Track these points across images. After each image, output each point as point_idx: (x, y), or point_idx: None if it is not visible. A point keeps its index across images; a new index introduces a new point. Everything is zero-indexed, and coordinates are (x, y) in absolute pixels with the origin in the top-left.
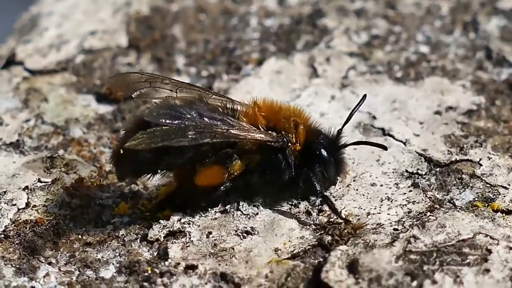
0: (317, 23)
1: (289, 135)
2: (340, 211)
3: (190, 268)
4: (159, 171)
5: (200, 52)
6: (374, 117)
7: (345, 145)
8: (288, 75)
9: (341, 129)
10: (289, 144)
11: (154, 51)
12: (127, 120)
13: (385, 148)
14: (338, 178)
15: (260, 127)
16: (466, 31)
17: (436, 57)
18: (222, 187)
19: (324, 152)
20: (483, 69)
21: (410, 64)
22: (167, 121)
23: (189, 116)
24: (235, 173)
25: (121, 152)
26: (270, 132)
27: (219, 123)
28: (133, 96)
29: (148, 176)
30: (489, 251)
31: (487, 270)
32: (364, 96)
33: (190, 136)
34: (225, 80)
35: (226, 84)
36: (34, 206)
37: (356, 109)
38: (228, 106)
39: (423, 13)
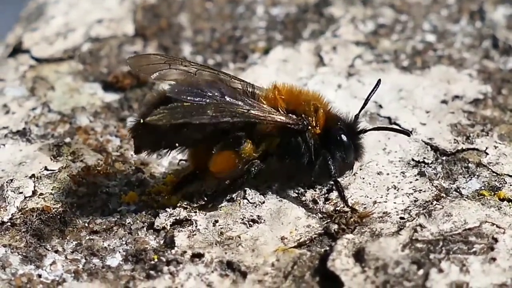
0: (323, 11)
1: (309, 118)
2: (347, 199)
3: (197, 256)
4: (176, 146)
5: (206, 41)
6: (380, 106)
7: (365, 130)
8: (295, 64)
9: (358, 115)
10: (309, 127)
11: (160, 39)
12: (148, 96)
13: (408, 133)
14: (356, 163)
15: (280, 110)
16: (473, 20)
17: (442, 46)
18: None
19: (344, 137)
20: (490, 58)
21: (417, 53)
22: (189, 98)
23: (210, 94)
24: (249, 157)
25: (142, 123)
26: (290, 115)
27: (240, 103)
28: (152, 77)
29: (165, 151)
30: (496, 240)
31: (494, 259)
32: (379, 81)
33: (210, 114)
34: (232, 68)
35: (233, 72)
36: (41, 194)
37: (371, 94)
38: (248, 88)
39: (430, 2)
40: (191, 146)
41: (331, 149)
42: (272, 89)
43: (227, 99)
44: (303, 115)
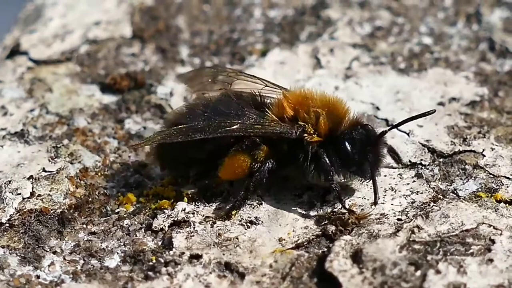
0: (320, 14)
1: (307, 126)
2: (345, 201)
3: (195, 257)
4: (193, 161)
5: (204, 43)
6: (377, 108)
7: (383, 133)
8: (292, 66)
9: (385, 131)
10: (305, 134)
11: (158, 41)
12: (167, 114)
13: (431, 112)
14: (363, 177)
15: (286, 118)
16: (469, 23)
17: (439, 49)
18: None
19: (347, 146)
20: (486, 60)
21: (414, 55)
22: (182, 121)
23: (206, 115)
24: (261, 161)
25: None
26: (283, 124)
27: (233, 119)
28: (192, 91)
29: (183, 169)
30: (493, 241)
31: (491, 260)
32: (433, 111)
33: (191, 135)
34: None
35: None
36: (39, 195)
37: (417, 118)
38: (259, 99)
39: (427, 5)
40: (198, 164)
41: (331, 155)
42: (282, 97)
43: (218, 117)
44: (300, 123)
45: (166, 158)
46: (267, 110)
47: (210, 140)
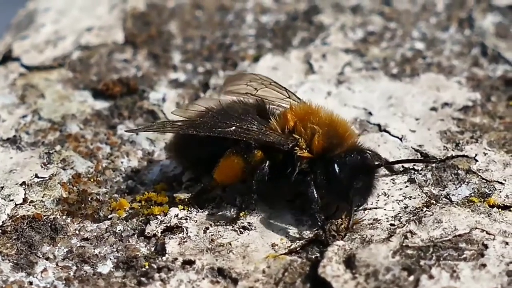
0: (313, 19)
1: (300, 140)
2: (325, 229)
3: (188, 263)
4: (195, 163)
5: (196, 48)
6: (370, 113)
7: (378, 166)
8: (284, 72)
9: (381, 164)
10: (296, 148)
11: (150, 47)
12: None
13: (434, 161)
14: (346, 204)
15: (286, 129)
16: (462, 28)
17: (431, 54)
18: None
19: (336, 169)
20: (479, 65)
21: (406, 61)
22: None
23: (210, 113)
24: (256, 165)
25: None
26: (280, 134)
27: (232, 122)
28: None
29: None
30: (486, 246)
31: (484, 265)
32: (437, 161)
33: (185, 130)
34: (222, 76)
35: (223, 80)
36: (32, 201)
37: (418, 162)
38: (268, 108)
39: (419, 10)
40: (201, 163)
41: (320, 175)
42: (289, 108)
43: (221, 118)
44: (296, 136)
45: (178, 152)
46: (271, 119)
47: (211, 141)
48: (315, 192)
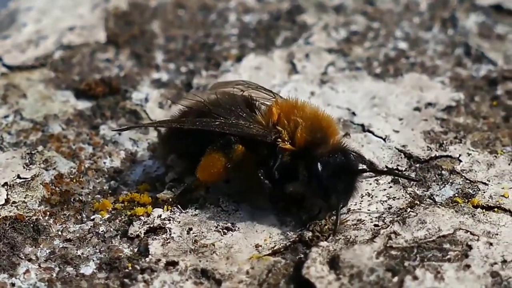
0: (296, 19)
1: (283, 132)
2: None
3: (171, 264)
4: (185, 152)
5: (179, 48)
6: (353, 113)
7: (361, 171)
8: (268, 71)
9: (366, 170)
10: (279, 140)
11: (133, 47)
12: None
13: (417, 180)
14: (328, 205)
15: (270, 122)
16: (445, 28)
17: (415, 54)
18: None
19: (319, 169)
20: (462, 65)
21: (389, 60)
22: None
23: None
24: (238, 162)
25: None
26: (263, 127)
27: (220, 115)
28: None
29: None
30: (470, 247)
31: (468, 266)
32: (417, 180)
33: (169, 124)
34: (204, 76)
35: (205, 80)
36: (14, 202)
37: (401, 177)
38: (255, 103)
39: (402, 9)
40: (186, 157)
41: (302, 171)
42: (274, 103)
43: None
44: (279, 128)
45: (164, 146)
46: (256, 113)
47: (196, 135)
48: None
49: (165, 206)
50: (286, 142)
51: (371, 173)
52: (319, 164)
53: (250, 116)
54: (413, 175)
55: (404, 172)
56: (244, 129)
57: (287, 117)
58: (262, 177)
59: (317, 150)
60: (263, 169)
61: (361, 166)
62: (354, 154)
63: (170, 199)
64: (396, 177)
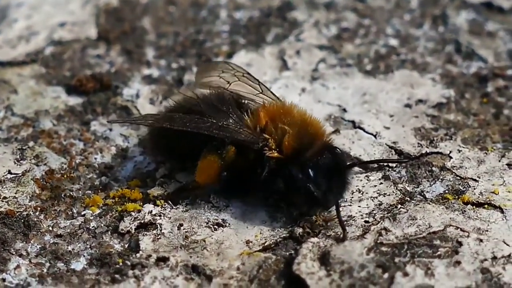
0: (286, 16)
1: (270, 140)
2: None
3: (162, 260)
4: (178, 153)
5: (170, 44)
6: (344, 110)
7: (349, 166)
8: (258, 68)
9: (355, 164)
10: (266, 148)
11: (123, 43)
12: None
13: (405, 161)
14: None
15: (258, 127)
16: (436, 25)
17: (405, 50)
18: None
19: (311, 174)
20: (453, 62)
21: (380, 57)
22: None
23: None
24: (231, 163)
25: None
26: (253, 133)
27: (209, 117)
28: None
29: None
30: (460, 244)
31: (458, 262)
32: (406, 161)
33: (159, 123)
34: (195, 72)
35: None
36: (4, 198)
37: (390, 162)
38: (244, 103)
39: (393, 6)
40: (177, 158)
41: (288, 177)
42: (261, 107)
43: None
44: (266, 136)
45: (156, 145)
46: (245, 115)
47: (186, 135)
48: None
49: (158, 201)
50: (273, 151)
51: (361, 166)
52: (309, 169)
53: (240, 119)
54: (403, 171)
55: (394, 169)
56: (233, 133)
57: (274, 124)
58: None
59: (304, 155)
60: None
61: (350, 161)
62: (339, 151)
63: (164, 195)
64: (383, 169)
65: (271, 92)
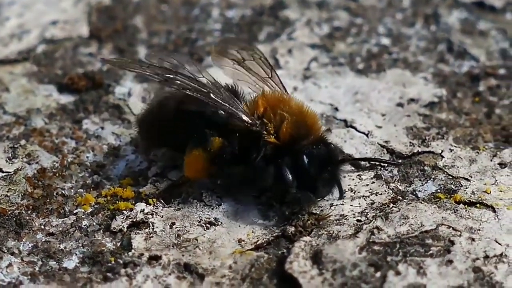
0: (279, 14)
1: (269, 124)
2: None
3: (154, 258)
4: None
5: (162, 43)
6: (336, 109)
7: (342, 160)
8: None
9: (347, 159)
10: (264, 132)
11: (115, 41)
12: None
13: (398, 164)
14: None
15: (256, 114)
16: (428, 24)
17: (397, 49)
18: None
19: (304, 159)
20: (445, 61)
21: (372, 56)
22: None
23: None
24: (218, 153)
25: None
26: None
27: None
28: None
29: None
30: (452, 243)
31: (450, 261)
32: (399, 164)
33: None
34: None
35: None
36: None
37: (383, 162)
38: (242, 92)
39: (385, 5)
40: (171, 145)
41: (287, 165)
42: (260, 95)
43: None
44: (265, 121)
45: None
46: (242, 103)
47: (178, 124)
48: (288, 173)
49: (150, 200)
50: (271, 136)
51: (353, 164)
52: (304, 156)
53: (237, 106)
54: (395, 170)
55: (387, 168)
56: (234, 111)
57: (273, 111)
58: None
59: (300, 143)
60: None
61: (343, 156)
62: (334, 145)
63: (156, 193)
64: (376, 168)
65: (280, 81)
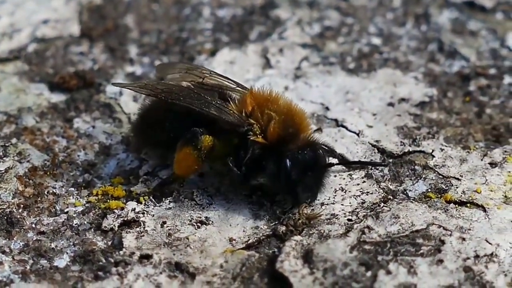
0: (270, 14)
1: (255, 124)
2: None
3: (145, 257)
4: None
5: (153, 42)
6: (327, 108)
7: (329, 165)
8: (242, 66)
9: (334, 164)
10: (250, 132)
11: (106, 40)
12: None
13: (385, 165)
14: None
15: (244, 113)
16: (418, 23)
17: (388, 49)
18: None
19: (287, 164)
20: (435, 61)
21: (363, 56)
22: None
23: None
24: (209, 152)
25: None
26: (238, 116)
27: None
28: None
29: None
30: (443, 242)
31: (441, 261)
32: (386, 164)
33: (143, 91)
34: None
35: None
36: None
37: (368, 163)
38: (227, 93)
39: (375, 5)
40: (162, 144)
41: (271, 165)
42: (248, 93)
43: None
44: (252, 121)
45: (141, 134)
46: (231, 102)
47: (170, 122)
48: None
49: (141, 198)
50: (258, 136)
51: (341, 167)
52: (287, 160)
53: (224, 106)
54: (386, 170)
55: (377, 167)
56: (222, 113)
57: (261, 110)
58: (231, 165)
59: (287, 145)
60: (234, 159)
61: (331, 160)
62: (324, 148)
63: (147, 190)
64: (366, 168)
65: (245, 87)
